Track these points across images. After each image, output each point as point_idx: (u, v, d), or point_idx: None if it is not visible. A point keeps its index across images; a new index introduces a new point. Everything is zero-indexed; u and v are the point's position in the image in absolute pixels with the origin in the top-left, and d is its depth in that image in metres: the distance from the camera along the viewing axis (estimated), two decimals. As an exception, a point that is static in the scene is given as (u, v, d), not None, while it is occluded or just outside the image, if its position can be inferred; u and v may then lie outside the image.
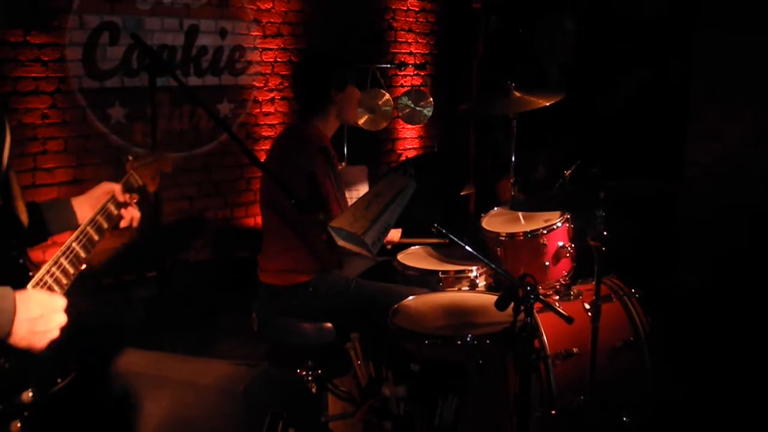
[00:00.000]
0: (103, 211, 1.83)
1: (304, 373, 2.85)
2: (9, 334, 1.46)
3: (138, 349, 1.96)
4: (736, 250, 4.31)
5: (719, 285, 4.27)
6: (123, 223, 1.92)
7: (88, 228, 1.76)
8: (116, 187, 1.90)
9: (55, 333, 1.53)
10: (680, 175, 4.73)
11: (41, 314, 1.50)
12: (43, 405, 1.59)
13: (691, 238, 4.63)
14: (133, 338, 1.89)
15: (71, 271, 1.68)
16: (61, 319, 1.55)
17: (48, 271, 1.64)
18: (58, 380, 1.63)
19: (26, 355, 1.53)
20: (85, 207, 1.88)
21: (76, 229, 1.77)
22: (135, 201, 1.94)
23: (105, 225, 1.81)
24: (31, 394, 1.56)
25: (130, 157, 1.97)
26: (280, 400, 1.84)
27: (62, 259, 1.67)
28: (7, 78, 3.71)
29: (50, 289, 1.63)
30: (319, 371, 2.88)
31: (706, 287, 4.33)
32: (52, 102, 3.91)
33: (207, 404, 1.70)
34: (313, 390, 2.80)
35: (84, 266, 1.72)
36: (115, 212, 1.87)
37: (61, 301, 1.57)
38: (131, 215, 1.93)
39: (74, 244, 1.71)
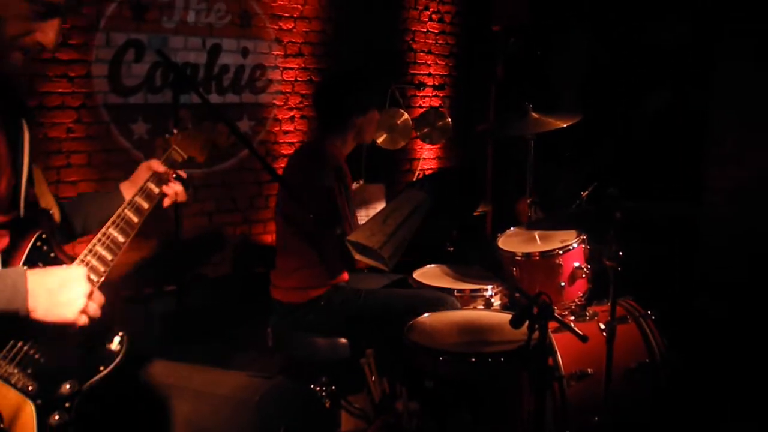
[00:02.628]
0: (143, 190, 1.78)
1: (318, 388, 2.86)
2: (29, 310, 1.42)
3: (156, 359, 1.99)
4: (755, 275, 4.27)
5: (738, 310, 4.23)
6: (167, 201, 1.87)
7: (126, 210, 1.71)
8: (155, 163, 1.85)
9: (81, 301, 1.47)
10: (699, 200, 4.71)
11: (60, 284, 1.46)
12: (85, 395, 1.56)
13: (711, 262, 4.60)
14: (151, 351, 1.91)
15: (109, 257, 1.62)
16: (84, 286, 1.48)
17: (83, 260, 1.59)
18: (100, 368, 1.60)
19: (63, 345, 1.51)
20: (131, 191, 1.82)
21: None
22: (176, 176, 1.89)
23: (145, 205, 1.76)
24: (69, 386, 1.53)
25: (175, 131, 1.92)
26: (294, 413, 1.85)
27: (98, 246, 1.62)
28: (35, 93, 3.80)
29: (93, 270, 1.58)
30: (333, 387, 2.90)
31: (725, 312, 4.29)
32: (77, 117, 3.99)
33: (222, 414, 1.72)
34: (327, 405, 2.81)
35: (124, 246, 1.65)
36: (156, 190, 1.81)
37: (79, 270, 1.51)
38: (174, 191, 1.88)
39: (110, 229, 1.65)
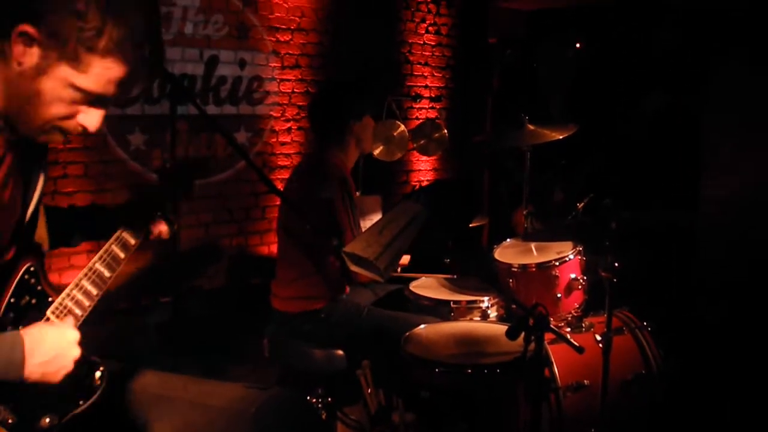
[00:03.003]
0: (129, 227, 1.77)
1: (314, 399, 2.86)
2: (24, 377, 1.43)
3: (149, 370, 1.98)
4: (752, 282, 4.28)
5: (735, 319, 4.24)
6: (151, 237, 1.90)
7: (113, 246, 1.72)
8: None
9: (69, 368, 1.50)
10: (695, 209, 4.73)
11: (54, 355, 1.47)
12: (64, 428, 1.56)
13: (707, 270, 4.61)
14: (146, 362, 1.90)
15: (94, 292, 1.63)
16: (75, 353, 1.50)
17: (68, 295, 1.59)
18: (80, 402, 1.60)
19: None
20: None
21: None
22: (161, 216, 1.91)
23: (132, 241, 1.76)
24: (48, 419, 1.53)
25: (168, 165, 1.97)
26: (290, 425, 1.84)
27: (84, 281, 1.62)
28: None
29: (70, 312, 1.59)
30: (330, 398, 2.89)
31: (722, 320, 4.30)
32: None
33: (218, 426, 1.70)
34: (323, 417, 2.80)
35: (107, 286, 1.66)
36: (143, 227, 1.82)
37: (73, 335, 1.52)
38: (158, 230, 1.91)
39: (97, 265, 1.66)
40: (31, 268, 1.59)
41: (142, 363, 1.84)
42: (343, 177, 2.94)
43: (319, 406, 2.87)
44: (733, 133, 4.57)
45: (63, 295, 1.60)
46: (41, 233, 1.72)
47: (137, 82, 1.46)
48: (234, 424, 1.71)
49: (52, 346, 1.47)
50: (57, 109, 1.41)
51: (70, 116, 1.45)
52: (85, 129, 1.48)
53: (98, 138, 4.09)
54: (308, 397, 2.85)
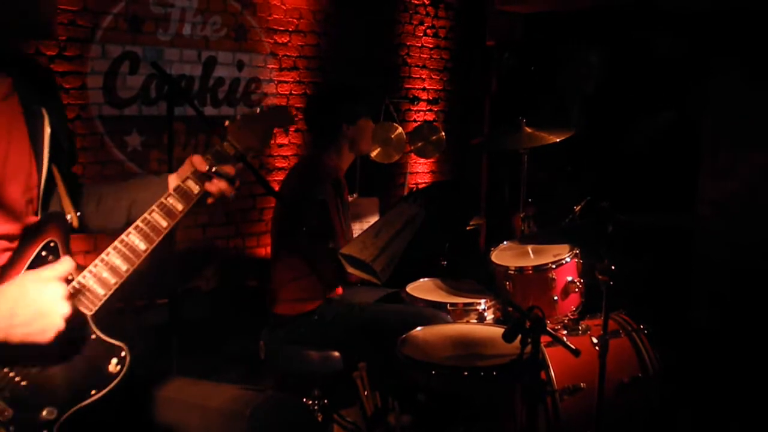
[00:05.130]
0: (179, 190, 1.58)
1: (310, 401, 2.86)
2: None
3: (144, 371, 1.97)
4: (749, 287, 4.29)
5: (732, 322, 4.25)
6: (210, 200, 1.69)
7: (154, 214, 1.51)
8: (197, 160, 1.63)
9: (59, 325, 1.32)
10: (692, 212, 4.74)
11: (36, 310, 1.30)
12: (68, 421, 1.43)
13: (703, 274, 4.62)
14: (143, 364, 1.89)
15: (123, 267, 1.46)
16: (63, 309, 1.32)
17: (91, 271, 1.44)
18: (92, 392, 1.45)
19: (48, 369, 1.40)
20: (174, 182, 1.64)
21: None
22: (221, 171, 1.66)
23: (179, 207, 1.56)
24: (46, 412, 1.41)
25: (227, 122, 1.70)
26: (285, 427, 1.84)
27: (112, 256, 1.45)
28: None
29: (91, 292, 1.45)
30: (326, 400, 2.89)
31: (718, 323, 4.30)
32: (71, 128, 3.98)
33: (213, 427, 1.70)
34: (319, 419, 2.80)
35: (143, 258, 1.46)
36: (196, 189, 1.61)
37: (58, 288, 1.33)
38: (218, 188, 1.67)
39: (131, 236, 1.47)
40: (51, 244, 1.45)
41: (139, 364, 1.84)
42: (336, 178, 2.94)
43: (315, 407, 2.87)
44: (731, 137, 4.58)
45: (84, 272, 1.44)
46: (65, 204, 1.56)
47: None
48: (230, 426, 1.70)
49: (34, 299, 1.31)
50: None
51: None
52: None
53: (95, 139, 4.09)
54: (304, 399, 2.85)
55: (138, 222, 1.51)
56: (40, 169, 1.52)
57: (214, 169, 1.64)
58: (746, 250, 4.34)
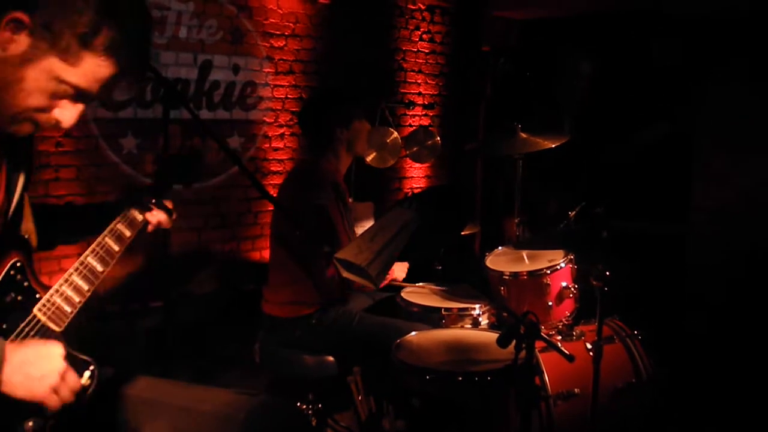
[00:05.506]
0: (125, 217, 1.72)
1: (304, 406, 2.85)
2: (1, 381, 1.35)
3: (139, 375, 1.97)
4: (742, 294, 4.30)
5: (725, 329, 4.26)
6: (150, 228, 1.84)
7: (107, 238, 1.64)
8: (140, 191, 1.81)
9: (54, 378, 1.39)
10: (686, 220, 4.75)
11: (35, 358, 1.38)
12: (52, 428, 1.48)
13: (696, 280, 4.64)
14: (137, 367, 1.89)
15: (85, 287, 1.56)
16: (59, 364, 1.41)
17: (57, 291, 1.54)
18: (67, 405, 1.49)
19: None
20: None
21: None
22: (157, 203, 1.84)
23: (127, 233, 1.70)
24: (32, 423, 1.44)
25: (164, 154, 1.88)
26: (280, 430, 1.84)
27: (74, 276, 1.56)
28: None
29: (59, 309, 1.53)
30: (320, 404, 2.89)
31: (711, 329, 4.32)
32: (66, 130, 3.98)
33: (206, 431, 1.70)
34: (313, 423, 2.80)
35: (99, 282, 1.58)
36: (139, 218, 1.76)
37: (56, 348, 1.43)
38: (157, 219, 1.85)
39: (89, 258, 1.59)
40: (18, 264, 1.53)
41: (132, 368, 1.83)
42: (335, 182, 2.95)
43: (309, 412, 2.87)
44: (725, 144, 4.60)
45: (51, 291, 1.54)
46: (28, 226, 1.65)
47: (120, 85, 1.45)
48: (223, 430, 1.70)
49: (34, 350, 1.40)
50: (36, 100, 1.39)
51: (48, 109, 1.41)
52: (58, 123, 1.44)
53: (90, 141, 4.09)
54: (298, 403, 2.85)
55: (94, 245, 1.64)
56: (9, 204, 1.56)
57: (154, 201, 1.83)
58: (740, 256, 4.36)
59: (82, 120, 4.10)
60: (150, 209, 1.82)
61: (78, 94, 1.41)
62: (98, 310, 3.97)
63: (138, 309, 4.18)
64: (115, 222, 1.70)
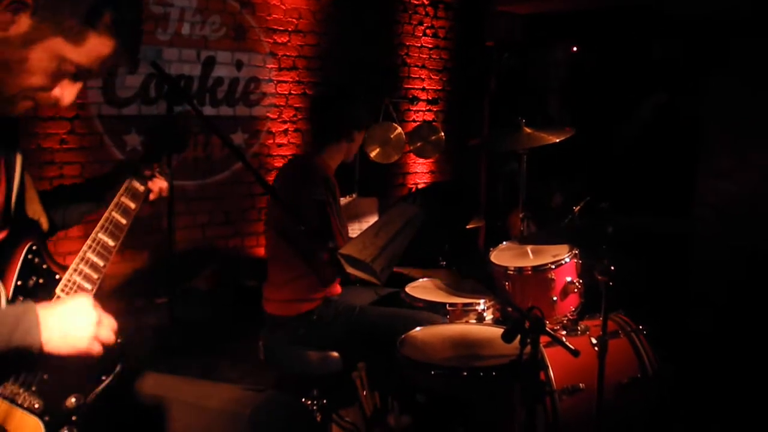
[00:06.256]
0: (127, 190, 1.73)
1: (309, 402, 2.85)
2: (42, 343, 1.38)
3: (145, 371, 1.98)
4: (747, 289, 4.29)
5: (730, 324, 4.25)
6: (152, 196, 1.85)
7: (113, 213, 1.67)
8: (137, 162, 1.82)
9: (91, 329, 1.44)
10: (690, 214, 4.74)
11: (69, 314, 1.43)
12: (89, 407, 1.56)
13: (701, 275, 4.63)
14: (142, 364, 1.90)
15: (100, 263, 1.59)
16: (92, 313, 1.45)
17: (75, 269, 1.56)
18: (103, 378, 1.59)
19: (63, 360, 1.45)
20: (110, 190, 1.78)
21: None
22: (159, 171, 1.85)
23: (132, 205, 1.71)
24: (74, 399, 1.53)
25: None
26: (285, 426, 1.84)
27: (89, 254, 1.58)
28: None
29: (80, 288, 1.56)
30: (324, 401, 2.89)
31: (716, 325, 4.31)
32: (70, 128, 3.99)
33: (213, 427, 1.71)
34: (318, 419, 2.80)
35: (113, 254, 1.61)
36: (141, 188, 1.76)
37: (85, 299, 1.47)
38: (159, 187, 1.86)
39: (99, 234, 1.62)
40: (33, 247, 1.56)
41: (139, 365, 1.84)
42: (326, 177, 2.95)
43: (314, 408, 2.87)
44: (730, 140, 4.59)
45: (70, 270, 1.57)
46: (36, 208, 1.67)
47: (117, 61, 1.49)
48: (229, 426, 1.71)
49: (65, 307, 1.44)
50: (38, 80, 1.41)
51: (48, 88, 1.44)
52: (57, 102, 1.47)
53: (95, 138, 4.09)
54: (303, 399, 2.85)
55: (102, 221, 1.65)
56: (10, 190, 1.59)
57: (152, 169, 1.84)
58: (744, 251, 4.35)
59: (86, 117, 4.12)
60: (150, 178, 1.83)
61: (78, 73, 1.45)
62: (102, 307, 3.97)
63: (143, 305, 4.19)
64: (118, 195, 1.71)
